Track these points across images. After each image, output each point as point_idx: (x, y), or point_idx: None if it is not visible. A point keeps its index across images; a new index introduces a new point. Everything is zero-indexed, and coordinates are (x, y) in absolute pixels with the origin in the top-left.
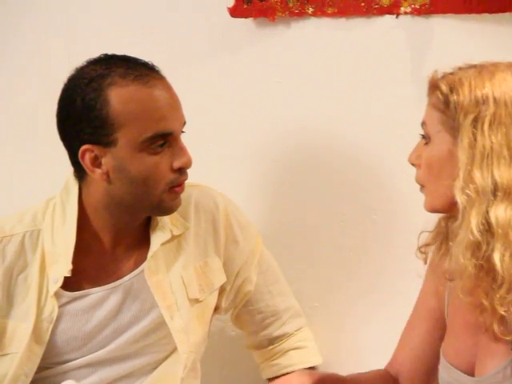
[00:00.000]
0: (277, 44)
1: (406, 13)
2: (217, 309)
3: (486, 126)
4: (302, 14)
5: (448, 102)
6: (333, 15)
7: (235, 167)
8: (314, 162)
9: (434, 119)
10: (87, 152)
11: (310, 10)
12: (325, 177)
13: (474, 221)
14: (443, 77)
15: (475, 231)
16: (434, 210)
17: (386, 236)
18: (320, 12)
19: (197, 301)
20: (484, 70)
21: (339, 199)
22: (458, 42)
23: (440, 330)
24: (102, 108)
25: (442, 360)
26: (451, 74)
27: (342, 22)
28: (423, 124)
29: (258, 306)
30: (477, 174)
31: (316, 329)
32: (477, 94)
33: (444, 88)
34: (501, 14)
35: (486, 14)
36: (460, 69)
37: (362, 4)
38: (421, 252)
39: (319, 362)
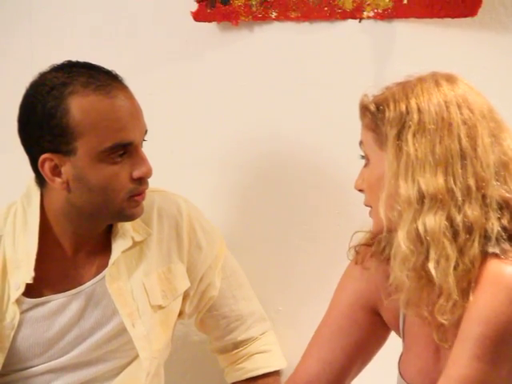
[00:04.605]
0: (240, 48)
1: (368, 17)
2: (181, 314)
3: (410, 136)
4: (265, 18)
5: (377, 121)
6: (296, 19)
7: (199, 172)
8: (278, 167)
9: (369, 139)
10: (47, 161)
11: (274, 15)
12: (289, 182)
13: (402, 232)
14: (372, 99)
15: (404, 243)
16: (380, 232)
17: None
18: (283, 16)
19: (160, 307)
20: (407, 84)
21: (304, 204)
22: (421, 46)
23: (359, 340)
24: (62, 116)
25: (401, 381)
26: (379, 94)
27: (305, 26)
28: (361, 143)
29: (223, 310)
30: (402, 185)
31: (280, 333)
32: (401, 107)
33: (372, 108)
34: (463, 19)
35: (448, 19)
36: (386, 88)
37: (326, 8)
38: (356, 251)
39: (284, 365)
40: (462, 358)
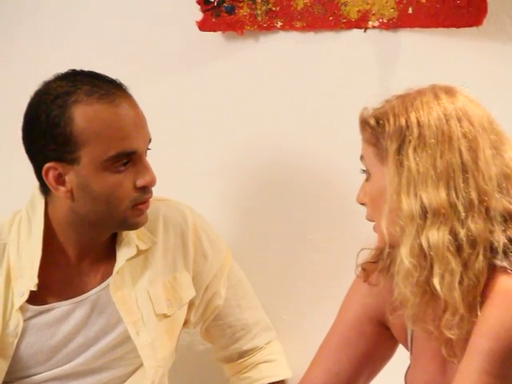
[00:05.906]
0: (245, 58)
1: (373, 27)
2: (186, 323)
3: (410, 150)
4: (270, 28)
5: (377, 135)
6: (301, 29)
7: (204, 181)
8: (283, 176)
9: (369, 154)
10: (51, 170)
11: (279, 24)
12: (294, 191)
13: (406, 248)
14: (372, 112)
15: (407, 258)
16: (384, 247)
17: (354, 250)
18: (288, 26)
19: (165, 316)
20: (407, 98)
21: (309, 214)
22: (426, 56)
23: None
24: (65, 125)
25: None
26: (379, 108)
27: (310, 36)
28: (362, 158)
29: (228, 320)
30: (404, 200)
31: (285, 342)
32: (401, 121)
33: (372, 122)
34: (468, 29)
35: (453, 29)
36: (386, 101)
37: (331, 18)
38: (363, 269)
39: (289, 375)
40: (470, 372)
